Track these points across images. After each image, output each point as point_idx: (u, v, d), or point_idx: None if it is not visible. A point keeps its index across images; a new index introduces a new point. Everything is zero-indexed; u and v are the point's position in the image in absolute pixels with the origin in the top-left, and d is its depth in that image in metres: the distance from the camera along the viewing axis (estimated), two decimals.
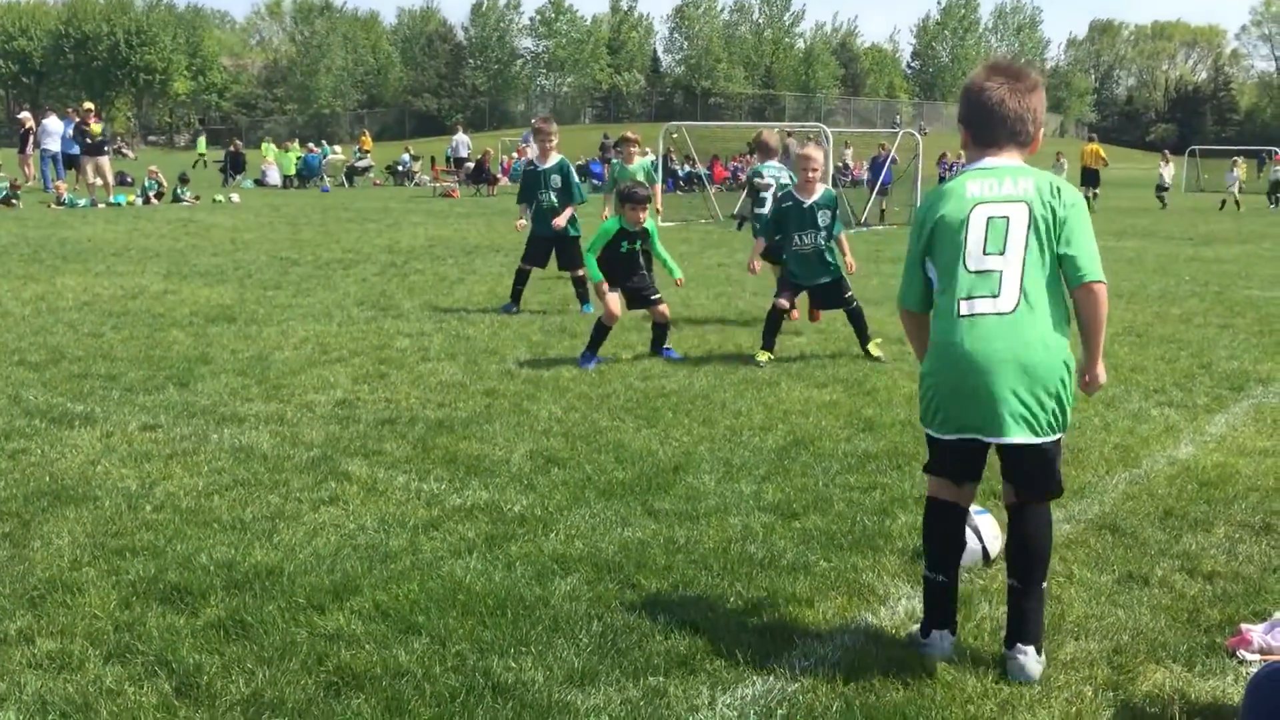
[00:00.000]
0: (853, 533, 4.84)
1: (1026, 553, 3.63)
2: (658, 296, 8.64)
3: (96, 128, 25.89)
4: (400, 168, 42.15)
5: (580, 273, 10.70)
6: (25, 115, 30.16)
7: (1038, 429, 3.53)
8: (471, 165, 37.02)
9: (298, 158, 38.51)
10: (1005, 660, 3.62)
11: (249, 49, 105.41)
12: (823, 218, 8.67)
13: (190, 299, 11.28)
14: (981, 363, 3.49)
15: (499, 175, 37.56)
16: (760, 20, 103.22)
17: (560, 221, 10.90)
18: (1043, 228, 3.51)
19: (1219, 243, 20.73)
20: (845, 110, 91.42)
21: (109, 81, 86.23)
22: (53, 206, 23.67)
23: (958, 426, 3.58)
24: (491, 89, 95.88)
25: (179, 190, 27.73)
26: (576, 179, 11.42)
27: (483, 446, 6.12)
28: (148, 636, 3.76)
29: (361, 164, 42.31)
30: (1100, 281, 3.53)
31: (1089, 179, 31.84)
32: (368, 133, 60.01)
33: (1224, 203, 33.13)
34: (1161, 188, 34.07)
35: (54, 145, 27.05)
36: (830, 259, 8.75)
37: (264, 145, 41.64)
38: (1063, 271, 3.55)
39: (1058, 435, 3.59)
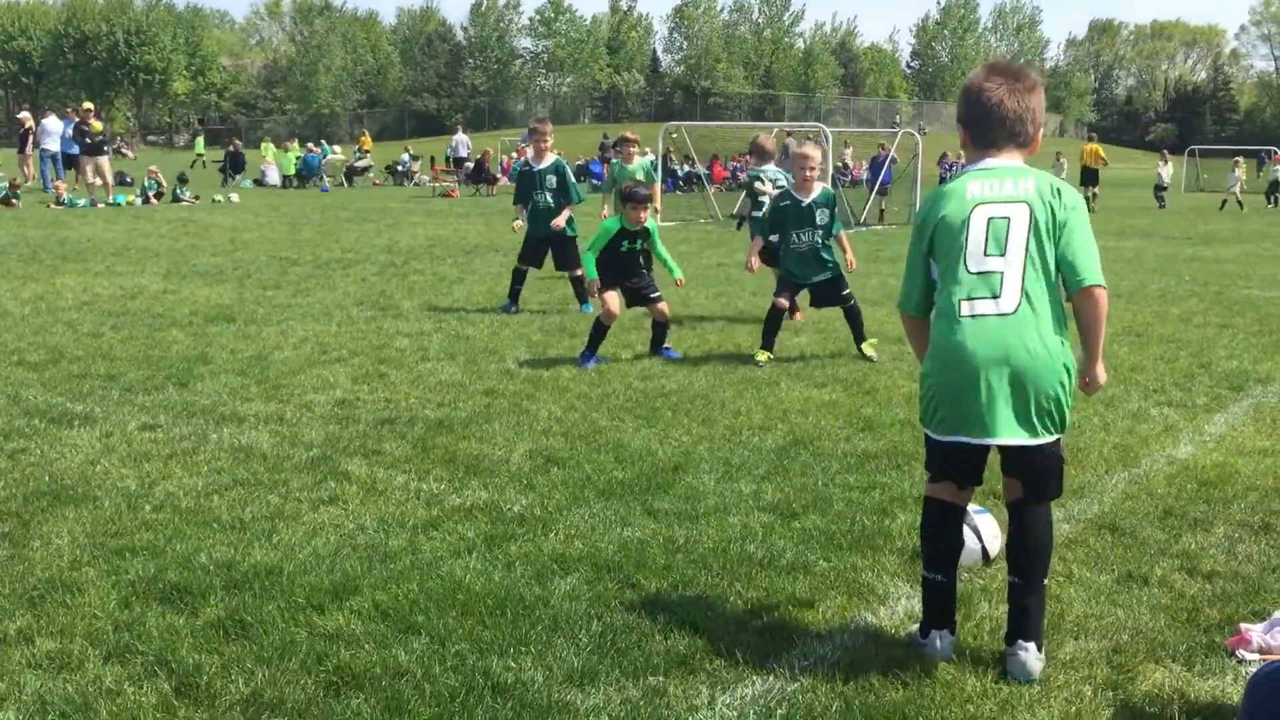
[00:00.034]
0: (852, 532, 4.84)
1: (1027, 550, 3.64)
2: (658, 295, 8.64)
3: (98, 126, 25.89)
4: (400, 168, 42.15)
5: (578, 272, 10.70)
6: (25, 115, 30.15)
7: (1038, 430, 3.53)
8: (471, 165, 37.01)
9: (297, 158, 38.50)
10: (1006, 657, 3.62)
11: (248, 49, 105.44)
12: (821, 216, 8.67)
13: (190, 299, 11.28)
14: (983, 364, 3.49)
15: (498, 175, 37.54)
16: (760, 20, 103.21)
17: (559, 222, 10.90)
18: (1043, 229, 3.51)
19: (1218, 242, 20.73)
20: (845, 110, 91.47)
21: (108, 81, 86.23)
22: (52, 206, 23.66)
23: (958, 428, 3.57)
24: (491, 89, 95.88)
25: (178, 190, 27.72)
26: (573, 179, 11.42)
27: (482, 446, 6.12)
28: (147, 636, 3.76)
29: (361, 164, 42.30)
30: (1100, 286, 3.53)
31: (1088, 179, 31.86)
32: (367, 133, 59.99)
33: (1224, 203, 33.14)
34: (1160, 187, 34.08)
35: (53, 145, 27.06)
36: (827, 256, 8.75)
37: (263, 145, 41.62)
38: (1061, 275, 3.54)
39: (1057, 436, 3.59)
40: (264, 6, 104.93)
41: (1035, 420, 3.52)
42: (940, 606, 3.74)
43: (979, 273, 3.53)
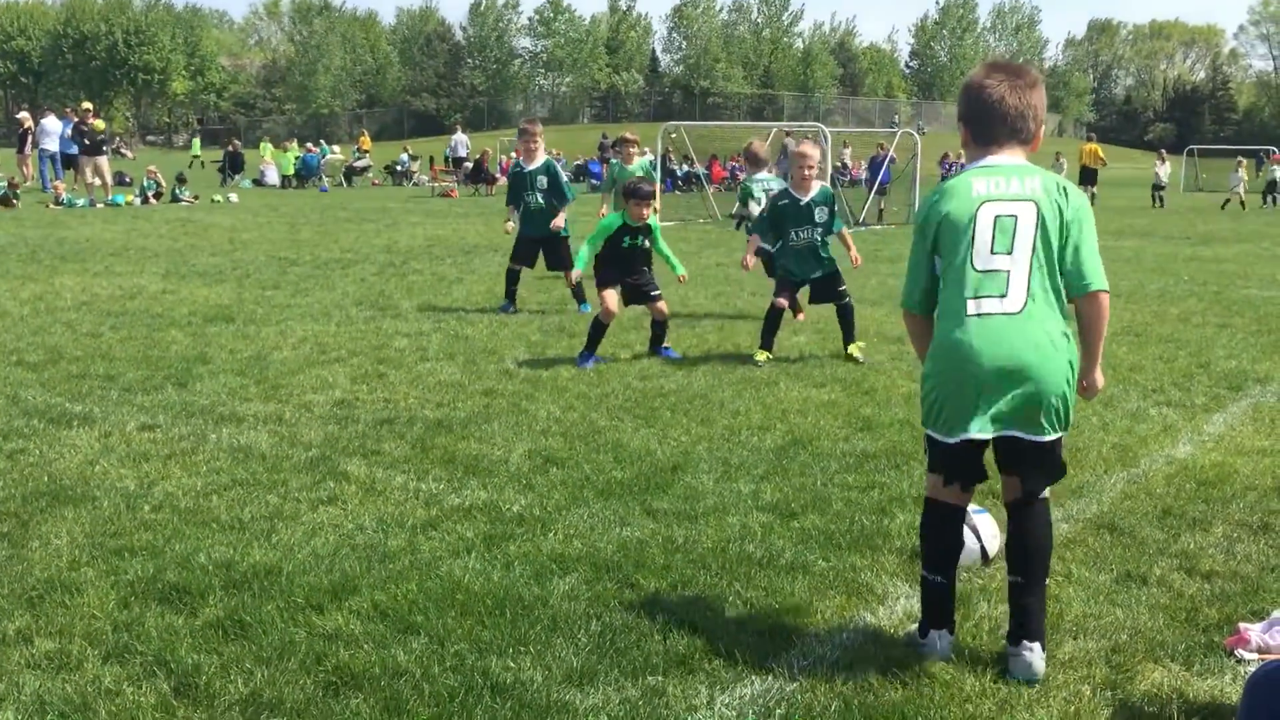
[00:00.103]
0: (851, 532, 4.84)
1: (1028, 550, 3.63)
2: (658, 293, 8.64)
3: (100, 125, 25.89)
4: (399, 167, 42.16)
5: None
6: (24, 115, 30.14)
7: (1044, 428, 3.52)
8: (470, 165, 37.02)
9: (296, 158, 38.52)
10: (1009, 658, 3.60)
11: (247, 49, 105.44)
12: (819, 214, 8.67)
13: (189, 299, 11.28)
14: (989, 363, 3.47)
15: (497, 175, 37.53)
16: (759, 20, 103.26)
17: (559, 222, 10.91)
18: (1050, 228, 3.50)
19: (1217, 242, 20.73)
20: (844, 110, 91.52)
21: (107, 81, 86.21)
22: (51, 206, 23.66)
23: (963, 426, 3.53)
24: (490, 89, 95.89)
25: (177, 190, 27.73)
26: (564, 178, 11.41)
27: (481, 446, 6.12)
28: (146, 636, 3.76)
29: (360, 164, 42.32)
30: (1105, 290, 3.53)
31: (1087, 178, 31.92)
32: (366, 132, 59.99)
33: (1226, 202, 33.17)
34: (1158, 187, 34.10)
35: (52, 145, 27.05)
36: (825, 254, 8.76)
37: (262, 145, 41.65)
38: (1065, 278, 3.53)
39: (1061, 434, 3.58)
40: (263, 6, 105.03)
41: (1043, 419, 3.51)
42: (940, 607, 3.73)
43: (985, 271, 3.50)
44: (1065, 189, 3.56)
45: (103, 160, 25.79)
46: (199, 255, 15.43)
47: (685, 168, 37.09)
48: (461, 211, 26.08)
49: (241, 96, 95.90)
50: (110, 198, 25.40)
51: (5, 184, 24.34)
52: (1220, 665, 3.69)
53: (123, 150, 48.32)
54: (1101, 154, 33.58)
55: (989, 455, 3.68)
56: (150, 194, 27.01)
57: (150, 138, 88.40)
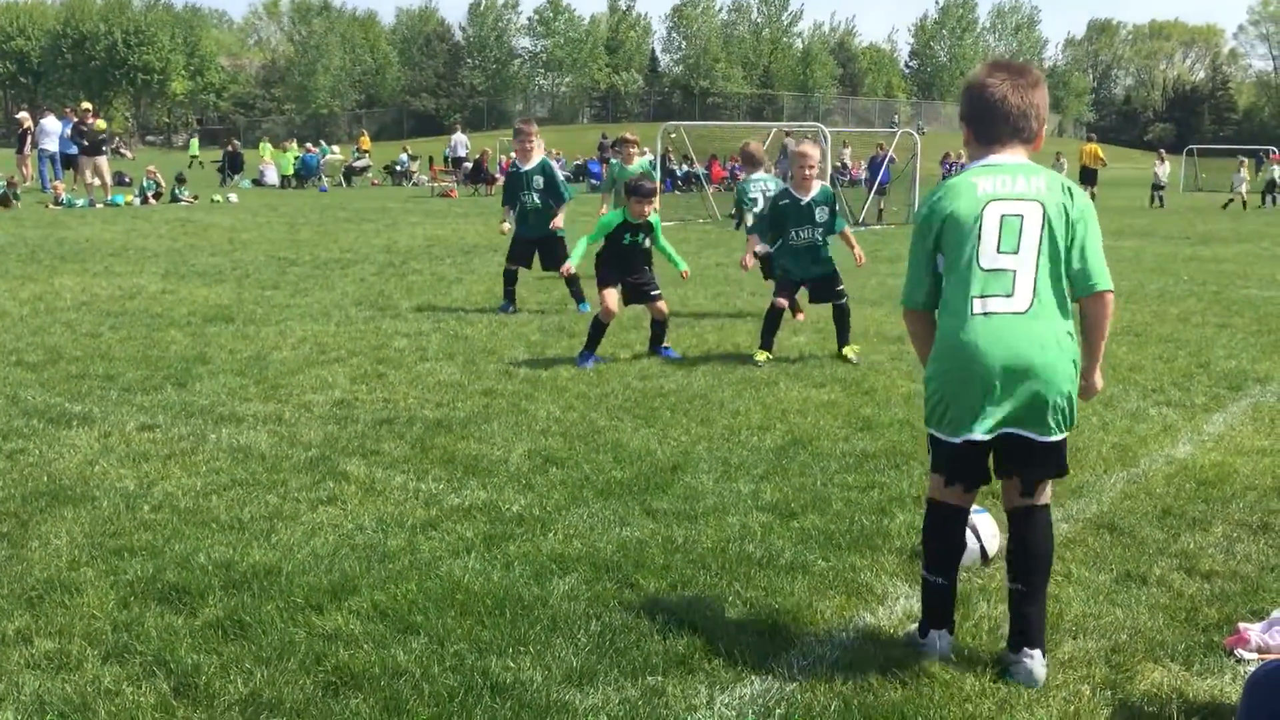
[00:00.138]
0: (851, 532, 4.84)
1: (1030, 557, 3.62)
2: (658, 293, 8.64)
3: (102, 125, 25.89)
4: (398, 168, 42.16)
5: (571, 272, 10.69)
6: (23, 115, 30.14)
7: (1051, 428, 3.51)
8: (470, 165, 37.02)
9: (295, 158, 38.52)
10: (1010, 664, 3.59)
11: (247, 49, 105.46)
12: (820, 214, 8.67)
13: (188, 299, 11.28)
14: (996, 362, 3.45)
15: (497, 175, 37.52)
16: (758, 20, 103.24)
17: (559, 222, 10.91)
18: (1056, 229, 3.49)
19: (1217, 242, 20.74)
20: (843, 110, 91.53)
21: (107, 81, 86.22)
22: (50, 206, 23.65)
23: (968, 426, 3.52)
24: (489, 89, 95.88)
25: (177, 190, 27.73)
26: (560, 177, 11.40)
27: (481, 446, 6.12)
28: (146, 636, 3.76)
29: (359, 164, 42.32)
30: (1110, 290, 3.53)
31: (1087, 178, 31.93)
32: (366, 133, 60.00)
33: (1228, 203, 33.19)
34: (1157, 186, 34.12)
35: (52, 145, 27.05)
36: (825, 254, 8.76)
37: (261, 145, 41.64)
38: (1071, 278, 3.52)
39: (1065, 434, 3.57)
40: (262, 6, 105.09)
41: (1049, 418, 3.50)
42: (940, 607, 3.73)
43: (992, 270, 3.49)
44: (1070, 189, 3.56)
45: (102, 160, 25.79)
46: (198, 255, 15.42)
47: (685, 168, 37.10)
48: (461, 212, 26.08)
49: (241, 96, 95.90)
50: (110, 198, 25.40)
51: (4, 184, 24.34)
52: (1220, 665, 3.69)
53: (122, 150, 48.29)
54: (1101, 154, 33.59)
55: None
56: (150, 194, 27.00)
57: (150, 138, 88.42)
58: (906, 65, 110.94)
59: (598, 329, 8.40)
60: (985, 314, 3.48)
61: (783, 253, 8.86)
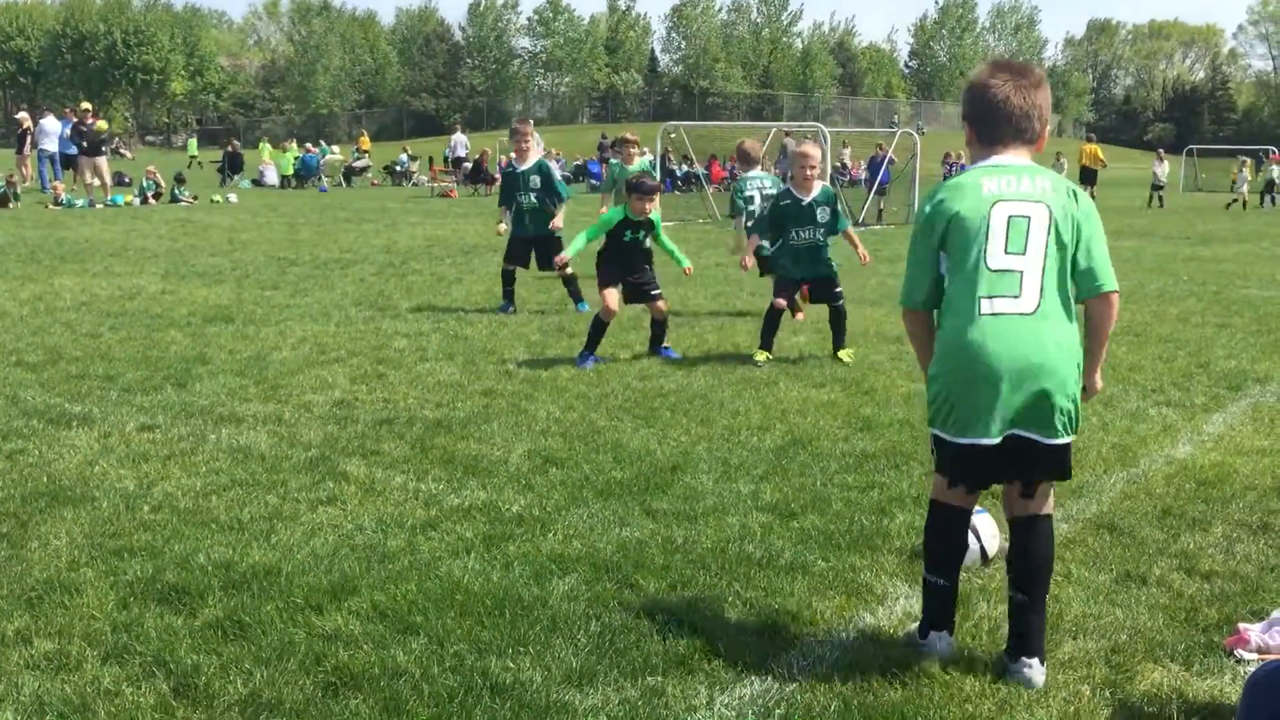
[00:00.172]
0: (851, 532, 4.84)
1: (1031, 565, 3.61)
2: (658, 292, 8.63)
3: (103, 125, 25.88)
4: (398, 168, 42.16)
5: (569, 272, 10.71)
6: (23, 115, 30.13)
7: (1057, 430, 3.50)
8: (469, 165, 37.01)
9: (295, 158, 38.52)
10: (1010, 672, 3.58)
11: (246, 49, 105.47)
12: (821, 214, 8.67)
13: (188, 299, 11.28)
14: (1002, 362, 3.44)
15: (497, 175, 37.50)
16: (758, 20, 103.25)
17: (559, 222, 10.91)
18: (1062, 230, 3.49)
19: (1216, 242, 20.74)
20: (843, 110, 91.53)
21: (106, 81, 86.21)
22: (50, 207, 23.66)
23: (974, 428, 3.50)
24: (489, 89, 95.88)
25: (176, 190, 27.73)
26: (558, 177, 11.40)
27: (480, 446, 6.12)
28: (145, 637, 3.76)
29: (359, 164, 42.32)
30: (1115, 291, 3.54)
31: (1087, 179, 31.94)
32: (365, 133, 60.01)
33: (1231, 203, 33.20)
34: (1156, 186, 34.13)
35: (51, 145, 27.04)
36: (826, 254, 8.77)
37: (261, 145, 41.65)
38: (1076, 279, 3.52)
39: (1070, 438, 3.55)
40: (262, 6, 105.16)
41: (1056, 420, 3.49)
42: (941, 608, 3.72)
43: (999, 271, 3.48)
44: (1074, 191, 3.56)
45: (102, 161, 25.79)
46: (198, 255, 15.42)
47: (685, 168, 37.09)
48: (461, 212, 26.08)
49: (240, 97, 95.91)
50: (109, 198, 25.41)
51: (4, 184, 24.34)
52: (1220, 665, 3.69)
53: (122, 151, 48.25)
54: (1101, 155, 33.59)
55: None
56: (149, 194, 27.01)
57: (149, 138, 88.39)
58: (906, 65, 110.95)
59: (598, 329, 8.39)
60: (993, 315, 3.47)
61: (783, 253, 8.86)
